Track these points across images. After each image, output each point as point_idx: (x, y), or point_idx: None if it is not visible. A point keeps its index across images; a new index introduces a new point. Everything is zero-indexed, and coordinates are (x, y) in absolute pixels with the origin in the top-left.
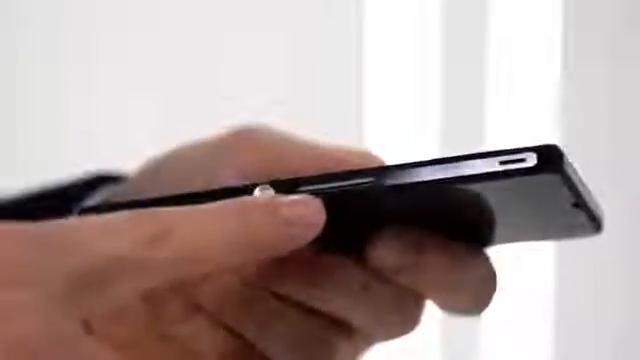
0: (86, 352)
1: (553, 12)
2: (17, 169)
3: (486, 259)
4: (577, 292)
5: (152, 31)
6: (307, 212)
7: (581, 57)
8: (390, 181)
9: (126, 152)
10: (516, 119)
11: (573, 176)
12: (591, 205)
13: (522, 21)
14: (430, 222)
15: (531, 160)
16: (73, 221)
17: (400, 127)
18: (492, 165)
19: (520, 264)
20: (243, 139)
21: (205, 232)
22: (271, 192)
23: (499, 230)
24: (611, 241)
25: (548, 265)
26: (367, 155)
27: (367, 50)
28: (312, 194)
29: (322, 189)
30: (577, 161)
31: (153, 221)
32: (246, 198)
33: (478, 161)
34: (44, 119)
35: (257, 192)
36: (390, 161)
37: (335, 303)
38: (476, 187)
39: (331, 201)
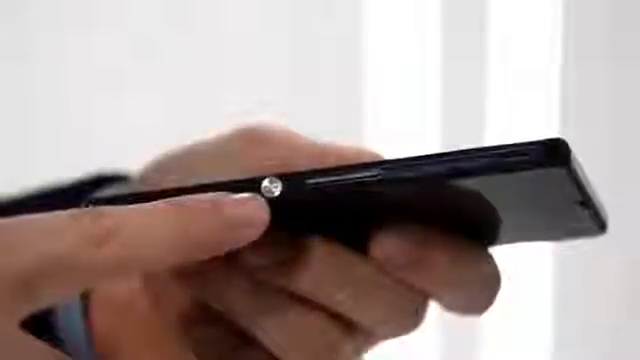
0: (23, 353)
1: (554, 11)
2: (17, 168)
3: (490, 258)
4: (576, 292)
5: (152, 31)
6: (250, 211)
7: (581, 56)
8: (396, 174)
9: (126, 152)
10: (516, 119)
11: (579, 172)
12: (596, 204)
13: (522, 21)
14: (435, 219)
15: (538, 153)
16: (11, 220)
17: (400, 128)
18: (500, 158)
19: (519, 264)
20: (251, 138)
21: (147, 232)
22: (279, 184)
23: (503, 229)
24: (611, 241)
25: (547, 265)
26: (373, 155)
27: (367, 50)
28: (320, 187)
29: (330, 181)
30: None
31: (96, 220)
32: (189, 197)
33: (486, 153)
34: (44, 118)
35: (265, 184)
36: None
37: (337, 298)
38: (482, 181)
39: (338, 194)
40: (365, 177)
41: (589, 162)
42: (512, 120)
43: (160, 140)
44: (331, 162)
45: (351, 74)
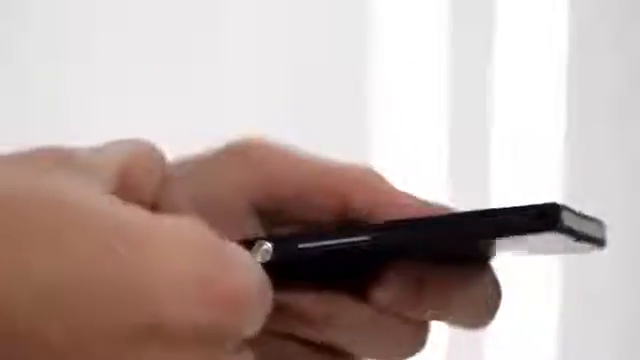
0: (121, 216)
1: (561, 11)
2: None
3: (489, 274)
4: (581, 296)
5: (152, 31)
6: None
7: (587, 55)
8: (387, 239)
9: None
10: (522, 118)
11: (573, 225)
12: (593, 235)
13: (529, 21)
14: (431, 258)
15: (530, 221)
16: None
17: (403, 129)
18: (492, 225)
19: (525, 270)
20: (239, 155)
21: None
22: (269, 246)
23: (500, 250)
24: (615, 249)
25: (553, 269)
26: (366, 171)
27: (370, 51)
28: (312, 251)
29: (321, 246)
30: (579, 166)
31: None
32: None
33: (478, 220)
34: (44, 118)
35: (255, 249)
36: (391, 170)
37: (340, 339)
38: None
39: (332, 253)
40: (357, 242)
41: (593, 160)
42: (519, 119)
43: (160, 141)
44: (325, 182)
45: (353, 75)
